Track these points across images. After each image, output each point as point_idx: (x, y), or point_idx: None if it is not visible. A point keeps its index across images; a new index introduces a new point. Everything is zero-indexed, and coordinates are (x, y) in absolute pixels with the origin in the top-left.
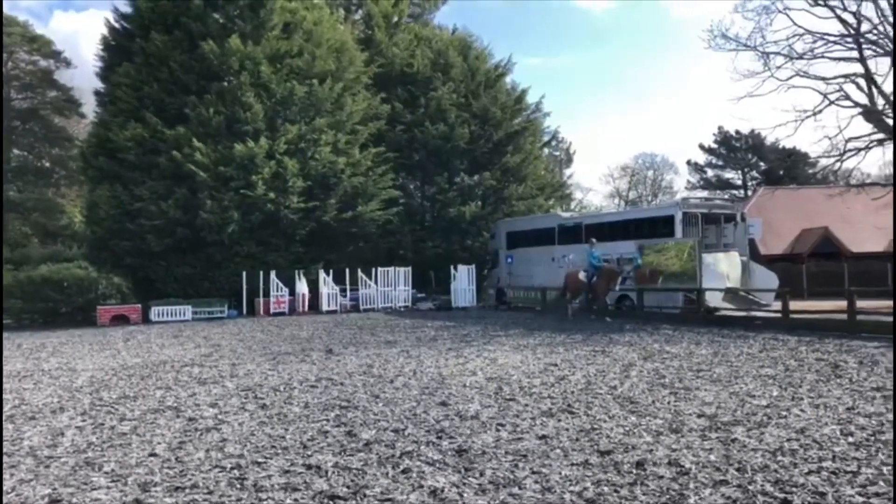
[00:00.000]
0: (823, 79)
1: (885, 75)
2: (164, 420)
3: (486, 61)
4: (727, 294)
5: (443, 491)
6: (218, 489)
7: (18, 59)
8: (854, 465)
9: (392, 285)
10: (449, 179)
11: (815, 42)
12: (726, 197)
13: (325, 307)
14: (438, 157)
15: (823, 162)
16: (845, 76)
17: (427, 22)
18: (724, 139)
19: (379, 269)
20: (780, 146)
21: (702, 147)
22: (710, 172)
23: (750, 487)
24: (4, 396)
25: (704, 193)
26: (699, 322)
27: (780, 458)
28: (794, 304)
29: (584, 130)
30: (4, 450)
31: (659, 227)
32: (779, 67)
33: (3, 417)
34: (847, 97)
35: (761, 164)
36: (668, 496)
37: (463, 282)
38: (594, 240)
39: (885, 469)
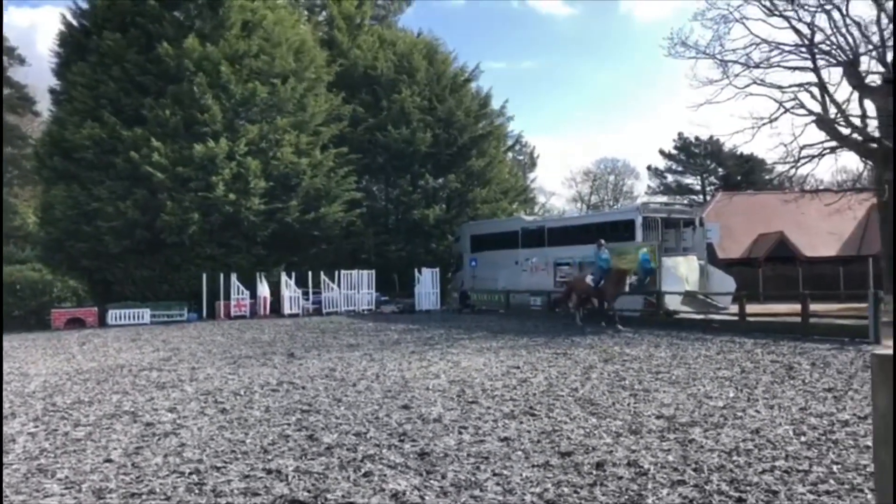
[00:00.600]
0: (779, 87)
1: (836, 84)
2: (121, 425)
3: (451, 65)
4: (686, 297)
5: (404, 494)
6: (176, 495)
7: None
8: (806, 464)
9: (355, 288)
10: (412, 182)
11: (771, 51)
12: (685, 202)
13: (286, 310)
14: (401, 160)
15: (779, 168)
16: (800, 85)
17: (391, 24)
18: (684, 145)
19: (342, 271)
20: (738, 152)
21: (662, 152)
22: (670, 177)
23: (706, 487)
24: None
25: (664, 198)
26: (658, 325)
27: (735, 457)
28: (751, 308)
29: (548, 135)
30: None
31: (620, 230)
32: (737, 75)
33: None
34: (802, 105)
35: (720, 169)
36: (626, 496)
37: (427, 285)
38: (602, 241)
39: (834, 467)
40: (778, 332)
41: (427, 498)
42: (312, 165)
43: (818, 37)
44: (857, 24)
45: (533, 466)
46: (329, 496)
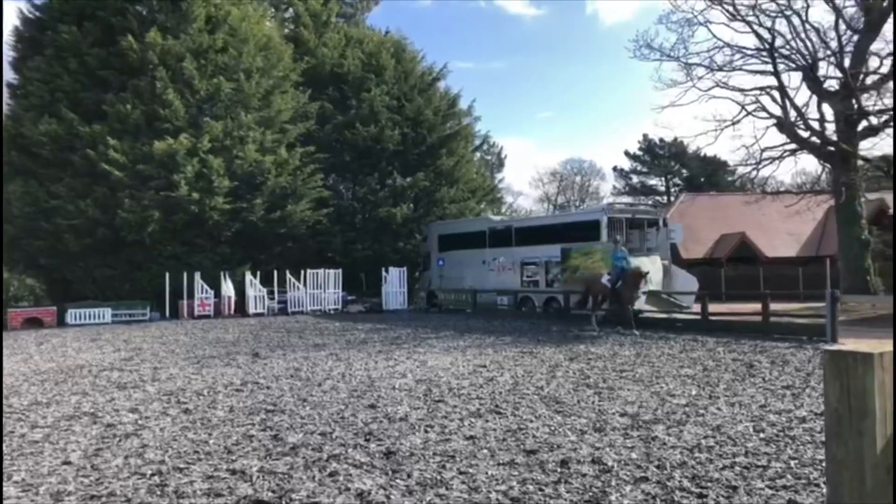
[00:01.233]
0: (741, 90)
1: (796, 89)
2: (80, 427)
3: (419, 64)
4: (650, 296)
5: (370, 493)
6: (137, 497)
7: None
8: (765, 460)
9: (321, 287)
10: (380, 181)
11: (733, 55)
12: (650, 202)
13: (251, 310)
14: (369, 158)
15: (741, 170)
16: (761, 89)
17: (359, 23)
18: (649, 147)
19: (308, 270)
20: (702, 154)
21: (627, 154)
22: (635, 178)
23: (669, 483)
24: None
25: (629, 199)
26: (623, 323)
27: (697, 454)
28: (713, 307)
29: (515, 135)
30: None
31: (586, 231)
32: (700, 78)
33: None
34: (763, 109)
35: (683, 171)
36: (590, 493)
37: (394, 284)
38: (619, 237)
39: (792, 463)
40: (739, 331)
41: (392, 497)
42: (278, 164)
43: (778, 41)
44: (816, 30)
45: (498, 464)
46: (294, 496)
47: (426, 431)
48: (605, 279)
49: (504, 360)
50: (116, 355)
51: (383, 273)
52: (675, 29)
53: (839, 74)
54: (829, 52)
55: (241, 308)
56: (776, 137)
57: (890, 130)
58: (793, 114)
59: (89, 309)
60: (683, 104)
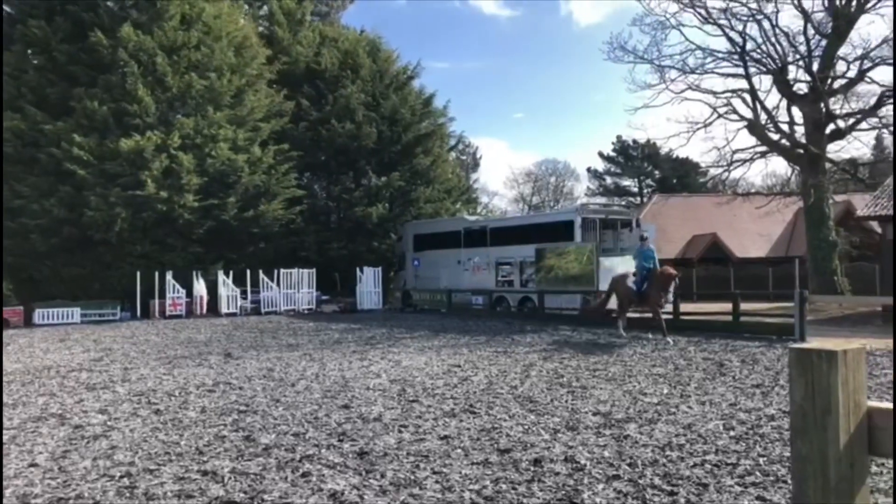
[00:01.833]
0: (713, 93)
1: (767, 92)
2: (47, 428)
3: (395, 63)
4: None
5: (343, 493)
6: (105, 499)
7: None
8: (734, 458)
9: (295, 287)
10: (356, 180)
11: (705, 58)
12: (623, 203)
13: (224, 309)
14: (345, 157)
15: (712, 171)
16: (732, 91)
17: (334, 22)
18: (622, 148)
19: (282, 270)
20: (674, 156)
21: (601, 155)
22: (608, 179)
23: (640, 481)
24: None
25: (603, 200)
26: (596, 323)
27: (668, 452)
28: (685, 306)
29: (491, 135)
30: None
31: (559, 231)
32: (673, 80)
33: None
34: (734, 111)
35: (656, 172)
36: (563, 492)
37: (369, 284)
38: (645, 233)
39: (761, 460)
40: (710, 330)
41: (366, 497)
42: (251, 162)
43: (749, 45)
44: (786, 34)
45: (472, 464)
46: (266, 497)
47: (400, 431)
48: (629, 281)
49: (478, 360)
50: (86, 356)
51: (358, 273)
52: (648, 31)
53: (808, 78)
54: (798, 56)
55: (213, 308)
56: (747, 139)
57: (857, 134)
58: (763, 116)
59: (58, 309)
60: (656, 106)
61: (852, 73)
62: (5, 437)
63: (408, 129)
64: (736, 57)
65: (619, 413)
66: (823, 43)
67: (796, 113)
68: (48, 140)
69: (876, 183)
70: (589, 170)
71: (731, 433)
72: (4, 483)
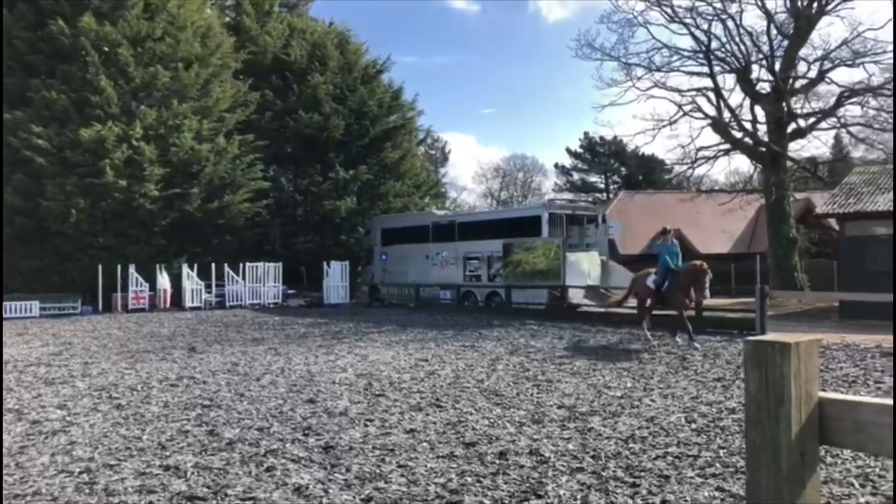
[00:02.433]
0: (679, 91)
1: (730, 90)
2: (4, 424)
3: (363, 56)
4: (588, 291)
5: (307, 488)
6: (64, 495)
7: None
8: (695, 450)
9: (261, 281)
10: (323, 172)
11: (671, 56)
12: (590, 199)
13: (188, 303)
14: (312, 149)
15: (677, 169)
16: (697, 90)
17: (302, 13)
18: (590, 144)
19: (247, 263)
20: (640, 153)
21: (569, 151)
22: (575, 175)
23: (603, 473)
24: None
25: (570, 195)
26: (562, 317)
27: (631, 444)
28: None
29: (459, 130)
30: None
31: (527, 226)
32: (639, 78)
33: None
34: (699, 109)
35: (622, 169)
36: (528, 484)
37: (336, 278)
38: (668, 227)
39: (721, 452)
40: (674, 325)
41: (331, 491)
42: (215, 152)
43: (714, 44)
44: (750, 34)
45: (438, 457)
46: (230, 491)
47: (366, 425)
48: (649, 280)
49: (445, 354)
50: (44, 350)
51: (325, 267)
52: (615, 29)
53: (770, 78)
54: (761, 56)
55: (177, 302)
56: (711, 137)
57: (817, 133)
58: (727, 115)
59: (15, 302)
60: (623, 103)
61: (812, 74)
62: None
63: (376, 123)
64: (701, 56)
65: (584, 406)
66: (785, 43)
67: (759, 112)
68: (6, 129)
69: (834, 181)
70: (556, 166)
71: (693, 426)
72: None
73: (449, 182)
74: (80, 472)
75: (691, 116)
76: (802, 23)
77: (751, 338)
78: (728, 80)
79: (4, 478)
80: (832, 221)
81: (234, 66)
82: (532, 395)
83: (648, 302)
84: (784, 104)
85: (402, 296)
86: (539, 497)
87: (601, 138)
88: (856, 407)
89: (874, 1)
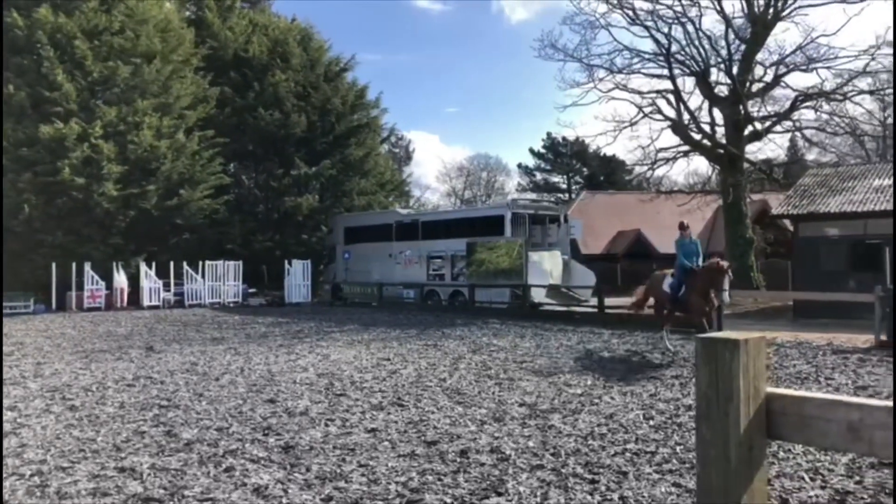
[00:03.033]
0: (640, 93)
1: (690, 93)
2: None
3: (327, 53)
4: (550, 290)
5: (267, 488)
6: (14, 498)
7: None
8: (653, 446)
9: (221, 280)
10: (284, 168)
11: (632, 58)
12: (552, 199)
13: (146, 302)
14: (273, 145)
15: (638, 169)
16: (658, 92)
17: (265, 9)
18: (552, 145)
19: (207, 262)
20: (602, 154)
21: (532, 151)
22: (538, 176)
23: (563, 470)
24: None
25: (533, 195)
26: (524, 316)
27: (590, 441)
28: (609, 300)
29: (423, 129)
30: None
31: (490, 226)
32: (601, 80)
33: None
34: (659, 111)
35: (584, 169)
36: (488, 482)
37: (297, 277)
38: (685, 221)
39: (678, 448)
40: (633, 324)
41: (290, 491)
42: (174, 149)
43: (674, 47)
44: (709, 38)
45: (399, 456)
46: (187, 493)
47: (327, 425)
48: (666, 283)
49: (408, 353)
50: None
51: (286, 265)
52: (578, 30)
53: (728, 81)
54: (719, 60)
55: (134, 300)
56: (670, 139)
57: (772, 136)
58: (686, 117)
59: None
60: (585, 104)
61: (769, 78)
62: None
63: (340, 120)
64: (661, 58)
65: (545, 404)
66: (743, 48)
67: (717, 114)
68: None
69: (789, 183)
70: (520, 166)
71: (651, 422)
72: None
73: (413, 181)
74: (32, 475)
75: (651, 118)
76: (759, 28)
77: (701, 335)
78: (687, 83)
79: None
80: (787, 222)
81: (195, 62)
82: (494, 393)
83: (667, 308)
84: (741, 107)
85: (364, 295)
86: (499, 494)
87: (564, 139)
88: (801, 402)
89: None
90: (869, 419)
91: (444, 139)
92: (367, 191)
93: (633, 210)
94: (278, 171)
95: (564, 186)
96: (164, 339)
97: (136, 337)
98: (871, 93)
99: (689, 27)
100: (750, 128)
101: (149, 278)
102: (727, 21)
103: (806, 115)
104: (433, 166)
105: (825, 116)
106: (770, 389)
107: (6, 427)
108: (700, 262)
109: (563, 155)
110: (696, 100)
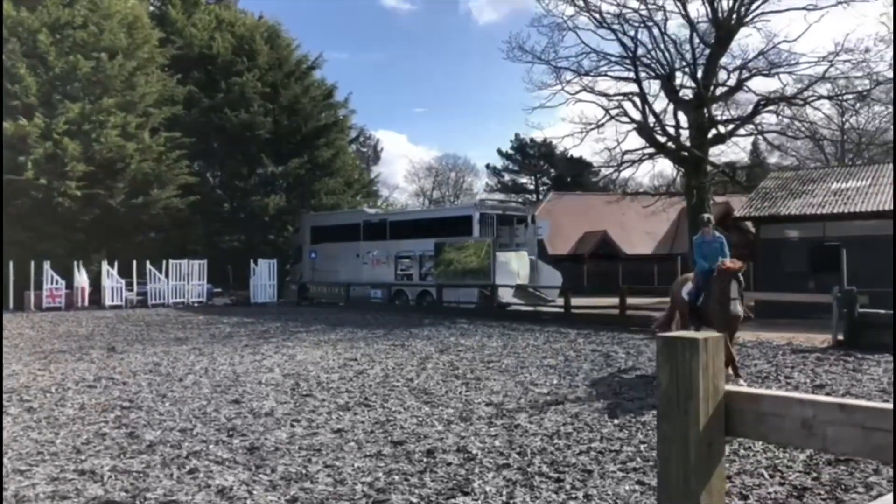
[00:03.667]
0: (606, 95)
1: (655, 96)
2: None
3: (295, 52)
4: (517, 290)
5: (231, 489)
6: None
7: None
8: (618, 445)
9: (185, 279)
10: (248, 165)
11: (599, 61)
12: (520, 200)
13: (107, 302)
14: (239, 145)
15: (604, 171)
16: (624, 94)
17: (230, 5)
18: (520, 146)
19: (170, 261)
20: (569, 155)
21: (500, 152)
22: (506, 176)
23: (529, 469)
24: None
25: (501, 196)
26: (492, 316)
27: (556, 440)
28: (575, 301)
29: (390, 128)
30: None
31: (458, 226)
32: (568, 82)
33: None
34: (625, 113)
35: (552, 170)
36: (455, 481)
37: (263, 277)
38: (707, 215)
39: (642, 447)
40: (599, 324)
41: (255, 492)
42: (140, 150)
43: (640, 51)
44: (674, 42)
45: (365, 456)
46: (149, 495)
47: (292, 426)
48: (685, 290)
49: (375, 353)
50: None
51: (252, 265)
52: (546, 33)
53: (693, 85)
54: (684, 64)
55: (96, 300)
56: (636, 141)
57: (736, 139)
58: (652, 120)
59: None
60: (552, 106)
61: (732, 82)
62: None
63: (308, 120)
64: (628, 61)
65: (511, 403)
66: (707, 52)
67: (682, 117)
68: None
69: (751, 186)
70: (488, 166)
71: (616, 421)
72: None
73: (381, 181)
74: None
75: (618, 121)
76: (723, 32)
77: (662, 334)
78: (653, 86)
79: None
80: (749, 224)
81: (161, 59)
82: (461, 393)
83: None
84: (705, 111)
85: (331, 295)
86: (466, 494)
87: (531, 140)
88: (757, 399)
89: (789, 14)
90: (822, 415)
91: (413, 139)
92: (335, 190)
93: (600, 211)
94: (244, 171)
95: (532, 187)
96: (126, 340)
97: (98, 337)
98: (829, 98)
99: (655, 31)
100: (713, 131)
101: (111, 277)
102: (692, 25)
103: (768, 119)
104: (401, 166)
105: (786, 121)
106: (728, 387)
107: None
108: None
109: (530, 156)
110: (661, 103)
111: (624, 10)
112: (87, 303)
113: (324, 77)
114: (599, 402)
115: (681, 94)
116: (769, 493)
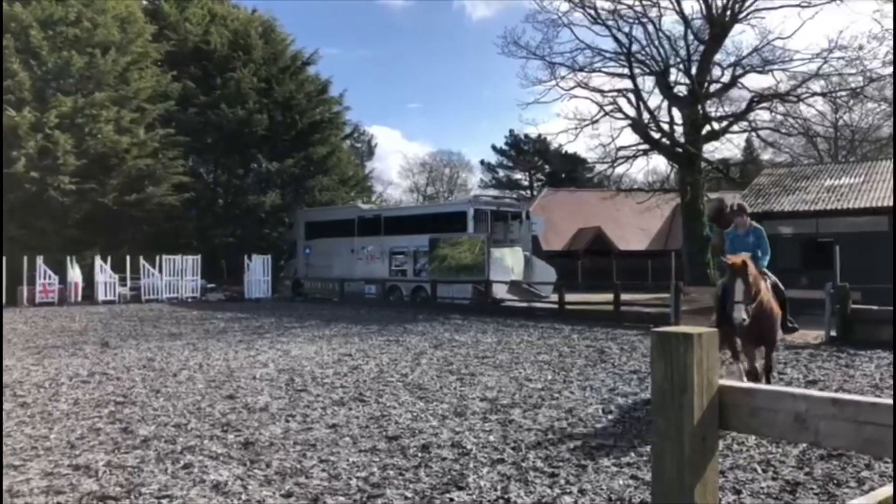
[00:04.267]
0: (601, 91)
1: (650, 93)
2: None
3: (289, 47)
4: (511, 286)
5: (226, 484)
6: None
7: None
8: (612, 440)
9: (179, 275)
10: (244, 164)
11: (594, 57)
12: (514, 196)
13: (101, 297)
14: (234, 142)
15: (598, 167)
16: (618, 91)
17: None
18: (514, 142)
19: (164, 256)
20: (563, 151)
21: (494, 148)
22: (500, 172)
23: (523, 464)
24: None
25: (495, 192)
26: (486, 312)
27: (550, 436)
28: (570, 297)
29: (384, 124)
30: None
31: (453, 222)
32: (563, 78)
33: None
34: (619, 110)
35: (546, 166)
36: (449, 476)
37: (257, 272)
38: (738, 202)
39: (635, 441)
40: (593, 320)
41: (250, 487)
42: (135, 145)
43: (635, 47)
44: (668, 39)
45: (360, 451)
46: (144, 490)
47: (287, 421)
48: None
49: (370, 349)
50: None
51: (246, 260)
52: (540, 28)
53: (687, 81)
54: (679, 60)
55: (89, 295)
56: (630, 137)
57: (729, 136)
58: (646, 116)
59: None
60: (547, 102)
61: (726, 79)
62: None
63: (303, 116)
64: (622, 58)
65: (506, 399)
66: (701, 49)
67: (676, 114)
68: None
69: (745, 182)
70: (482, 162)
71: (610, 416)
72: None
73: (375, 176)
74: None
75: (612, 117)
76: (717, 29)
77: (656, 329)
78: (647, 83)
79: None
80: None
81: (155, 54)
82: (455, 388)
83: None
84: (699, 107)
85: (326, 290)
86: (460, 489)
87: (526, 136)
88: (751, 394)
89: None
90: (815, 410)
91: (407, 135)
92: (330, 187)
93: (594, 207)
94: (239, 169)
95: (526, 183)
96: (119, 335)
97: (91, 332)
98: (823, 95)
99: (650, 27)
100: (707, 127)
101: (104, 272)
102: (686, 22)
103: (761, 115)
104: (395, 162)
105: (780, 117)
106: (722, 382)
107: None
108: (765, 263)
109: (525, 152)
110: (655, 99)
111: (619, 7)
112: (80, 298)
113: (318, 72)
114: (593, 398)
115: (675, 90)
116: (762, 488)
